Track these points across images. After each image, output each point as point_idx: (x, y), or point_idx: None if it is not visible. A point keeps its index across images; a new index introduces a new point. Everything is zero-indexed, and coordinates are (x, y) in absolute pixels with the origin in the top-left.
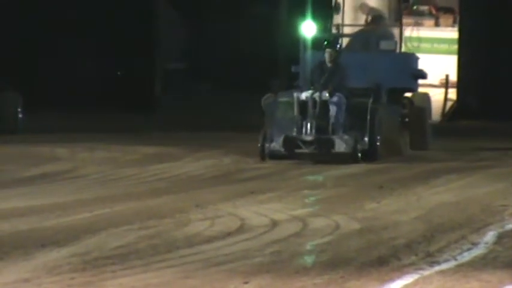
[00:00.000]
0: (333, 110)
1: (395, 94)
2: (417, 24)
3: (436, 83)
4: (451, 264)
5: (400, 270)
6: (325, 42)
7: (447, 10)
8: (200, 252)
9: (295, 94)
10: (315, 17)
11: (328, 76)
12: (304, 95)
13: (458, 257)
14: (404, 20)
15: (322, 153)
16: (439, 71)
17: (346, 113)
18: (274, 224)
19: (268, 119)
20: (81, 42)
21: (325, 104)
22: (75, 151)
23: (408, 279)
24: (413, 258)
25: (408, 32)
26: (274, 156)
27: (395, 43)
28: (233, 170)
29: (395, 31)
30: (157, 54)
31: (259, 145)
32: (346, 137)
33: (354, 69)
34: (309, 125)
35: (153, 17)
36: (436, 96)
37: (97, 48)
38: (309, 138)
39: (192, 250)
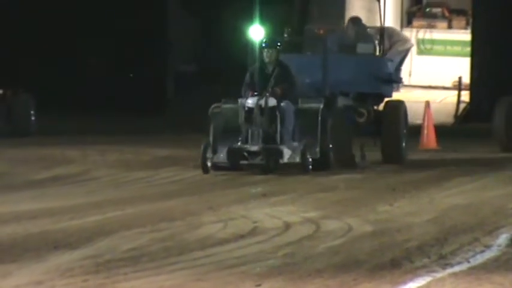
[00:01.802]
0: (280, 117)
1: (367, 100)
2: (430, 27)
3: (449, 85)
4: (464, 266)
5: (413, 272)
6: (264, 42)
7: (460, 12)
8: (212, 255)
9: (239, 100)
10: (264, 21)
11: (273, 79)
12: (250, 102)
13: (471, 260)
14: (418, 22)
15: (270, 164)
16: (452, 73)
17: (295, 120)
18: (287, 226)
19: (214, 129)
20: (92, 44)
21: (272, 111)
22: (87, 154)
23: (421, 281)
24: (426, 260)
25: (421, 34)
26: (219, 168)
27: (374, 46)
28: (245, 172)
29: (408, 34)
30: (169, 56)
31: (200, 158)
32: (295, 145)
33: (317, 73)
34: (255, 134)
35: (165, 19)
36: (449, 99)
37: (109, 49)
38: (254, 148)
39: (204, 252)
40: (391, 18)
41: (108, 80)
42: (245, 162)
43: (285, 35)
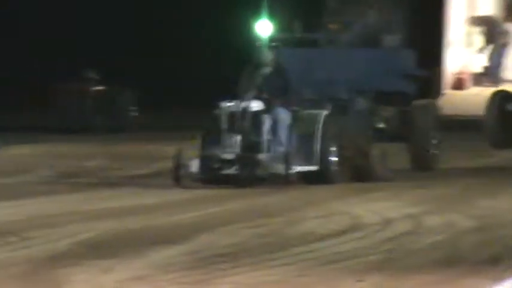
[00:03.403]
0: (268, 124)
1: (388, 100)
2: None
3: None
4: None
5: None
6: (259, 41)
7: None
8: (313, 251)
9: (222, 104)
10: (272, 16)
11: (265, 81)
12: (232, 105)
13: None
14: None
15: (246, 175)
16: None
17: (292, 129)
18: (387, 222)
19: (203, 137)
20: (198, 42)
21: (256, 116)
22: (185, 149)
23: None
24: None
25: None
26: (194, 179)
27: (400, 39)
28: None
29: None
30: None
31: (172, 166)
32: (277, 154)
33: (331, 70)
34: (233, 140)
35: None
36: None
37: (213, 48)
38: (229, 156)
39: (305, 248)
40: (492, 11)
41: (200, 77)
42: (220, 172)
43: (295, 31)
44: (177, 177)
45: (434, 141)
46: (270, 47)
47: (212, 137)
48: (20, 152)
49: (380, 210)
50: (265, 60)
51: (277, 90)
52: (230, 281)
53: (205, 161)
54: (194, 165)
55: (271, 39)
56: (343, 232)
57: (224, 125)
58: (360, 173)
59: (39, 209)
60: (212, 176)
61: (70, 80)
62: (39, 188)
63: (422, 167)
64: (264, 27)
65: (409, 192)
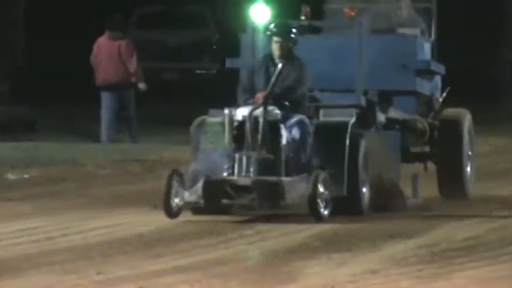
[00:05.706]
0: (287, 136)
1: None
2: None
3: None
4: None
5: None
6: (271, 28)
7: None
8: None
9: (227, 111)
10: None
11: (277, 78)
12: (240, 113)
13: None
14: None
15: (265, 206)
16: None
17: (312, 143)
18: None
19: (192, 155)
20: None
21: (274, 127)
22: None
23: None
24: None
25: None
26: (195, 209)
27: (422, 31)
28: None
29: None
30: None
31: (163, 194)
32: (305, 177)
33: (323, 61)
34: (245, 160)
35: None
36: None
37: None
38: (244, 181)
39: None
40: None
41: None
42: (230, 201)
43: (302, 17)
44: (169, 206)
45: (468, 162)
46: (289, 37)
47: (204, 153)
48: None
49: None
50: (280, 53)
51: (296, 93)
52: (465, 276)
53: (209, 186)
54: (195, 193)
55: (286, 25)
56: None
57: (229, 138)
58: (386, 201)
59: None
60: (220, 205)
61: None
62: None
63: (455, 193)
64: (260, 13)
65: None
